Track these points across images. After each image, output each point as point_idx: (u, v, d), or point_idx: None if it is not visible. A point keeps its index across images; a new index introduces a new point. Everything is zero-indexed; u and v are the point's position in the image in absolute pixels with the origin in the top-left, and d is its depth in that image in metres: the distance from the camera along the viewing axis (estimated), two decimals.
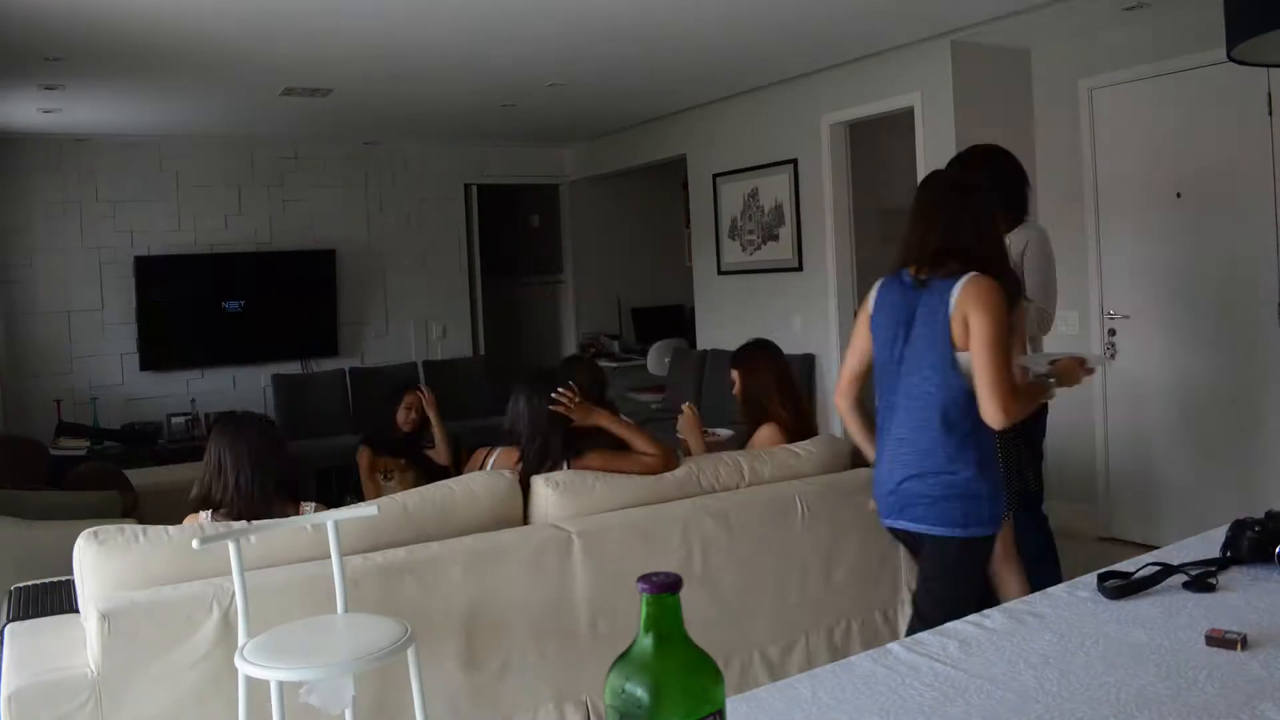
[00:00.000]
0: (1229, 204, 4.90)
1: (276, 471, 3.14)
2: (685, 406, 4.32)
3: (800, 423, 3.99)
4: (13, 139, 6.98)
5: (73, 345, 7.34)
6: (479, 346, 8.88)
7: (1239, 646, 1.61)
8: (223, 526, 2.79)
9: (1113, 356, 5.44)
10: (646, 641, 1.06)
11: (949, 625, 1.80)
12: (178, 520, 2.92)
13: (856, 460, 3.93)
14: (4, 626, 2.84)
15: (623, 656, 1.07)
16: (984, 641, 1.71)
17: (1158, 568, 1.90)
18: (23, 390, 7.10)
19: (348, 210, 8.28)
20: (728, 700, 1.10)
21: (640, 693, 1.04)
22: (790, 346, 6.59)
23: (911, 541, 2.77)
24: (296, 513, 3.09)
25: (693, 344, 7.98)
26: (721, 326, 7.33)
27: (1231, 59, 2.16)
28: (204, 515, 3.09)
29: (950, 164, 3.87)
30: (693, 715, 1.04)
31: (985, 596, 2.84)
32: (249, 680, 2.37)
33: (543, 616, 3.01)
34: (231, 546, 2.44)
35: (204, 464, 3.14)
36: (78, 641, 2.60)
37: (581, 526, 3.12)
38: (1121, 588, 1.85)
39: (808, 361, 6.55)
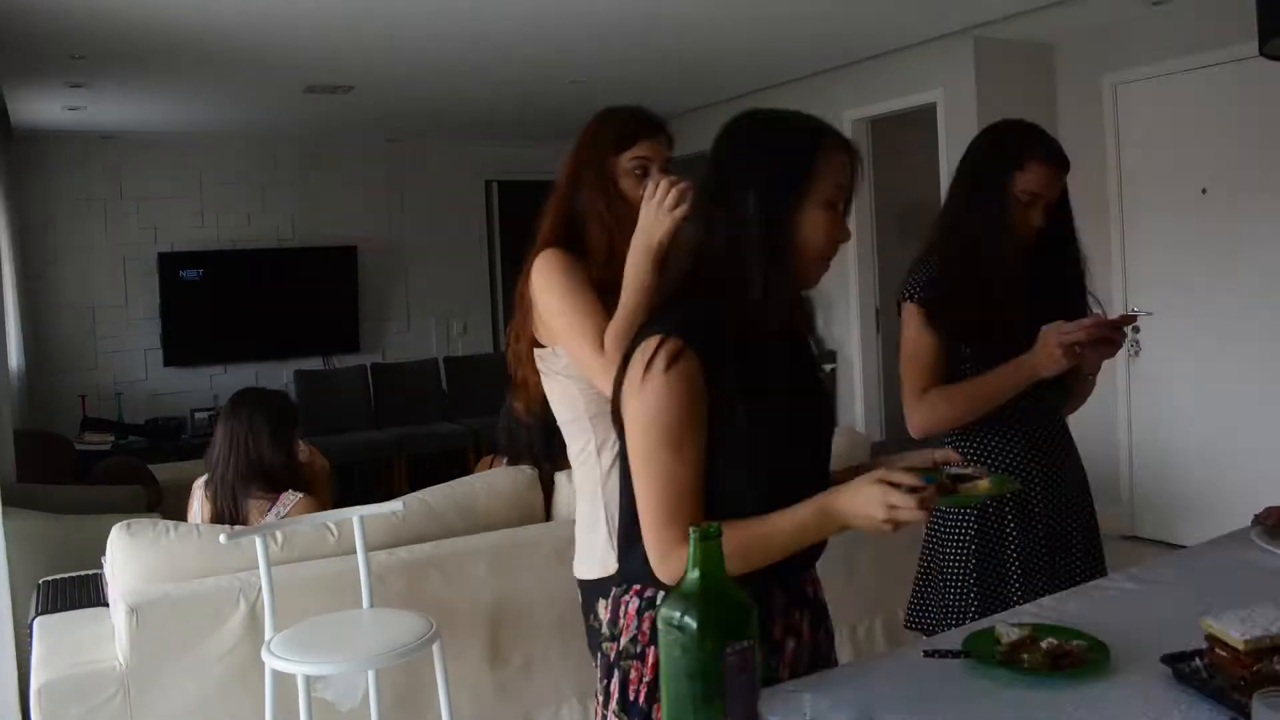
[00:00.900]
0: (1255, 199, 4.86)
1: (260, 458, 3.12)
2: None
3: None
4: (38, 136, 7.03)
5: (97, 341, 7.39)
6: (500, 343, 8.89)
7: None
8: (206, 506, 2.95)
9: (1136, 353, 5.41)
10: (694, 575, 1.26)
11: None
12: None
13: (876, 454, 3.92)
14: (33, 620, 2.86)
15: (674, 589, 1.29)
16: None
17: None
18: (48, 386, 7.16)
19: (369, 207, 8.31)
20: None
21: (688, 619, 1.24)
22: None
23: None
24: (270, 503, 3.07)
25: None
26: None
27: (1264, 54, 2.15)
28: (198, 483, 3.21)
29: None
30: (731, 639, 1.25)
31: None
32: (275, 674, 2.39)
33: (566, 613, 3.01)
34: (259, 542, 2.46)
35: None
36: (106, 635, 2.62)
37: None
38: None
39: (829, 358, 6.53)
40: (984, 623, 1.74)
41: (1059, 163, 2.21)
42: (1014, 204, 2.15)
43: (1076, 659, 1.54)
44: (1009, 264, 2.13)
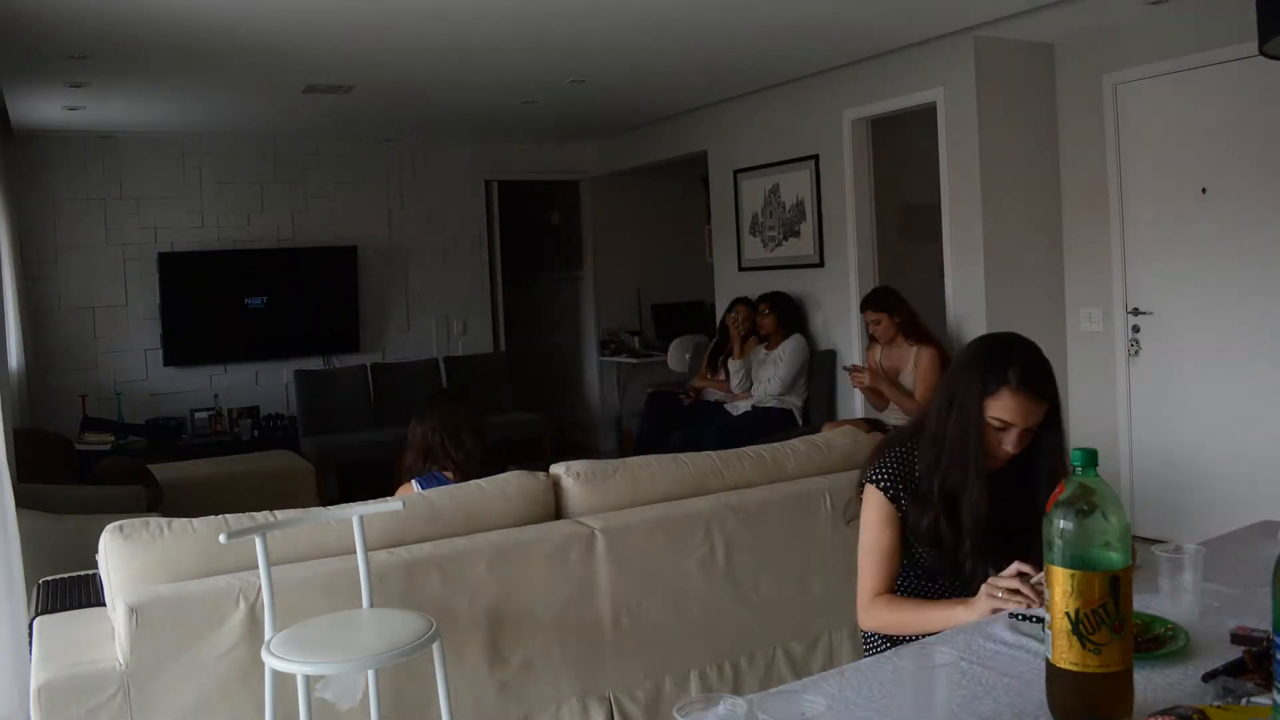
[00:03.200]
0: (1254, 199, 4.86)
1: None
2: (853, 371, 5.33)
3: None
4: (38, 136, 7.03)
5: (97, 341, 7.39)
6: (500, 342, 8.90)
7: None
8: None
9: (1136, 353, 5.41)
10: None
11: (980, 625, 1.81)
12: (201, 514, 2.92)
13: None
14: (33, 619, 2.86)
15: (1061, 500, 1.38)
16: (1014, 641, 1.71)
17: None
18: (48, 385, 7.15)
19: (369, 207, 8.31)
20: (753, 696, 1.11)
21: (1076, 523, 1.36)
22: (812, 342, 6.59)
23: None
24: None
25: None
26: None
27: (1263, 54, 2.14)
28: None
29: None
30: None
31: None
32: (275, 674, 2.39)
33: (566, 612, 3.02)
34: (258, 541, 2.45)
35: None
36: (105, 634, 2.62)
37: (605, 523, 3.12)
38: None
39: (829, 357, 6.53)
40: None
41: (1034, 393, 2.04)
42: (987, 429, 2.07)
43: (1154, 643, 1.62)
44: (972, 499, 2.09)
